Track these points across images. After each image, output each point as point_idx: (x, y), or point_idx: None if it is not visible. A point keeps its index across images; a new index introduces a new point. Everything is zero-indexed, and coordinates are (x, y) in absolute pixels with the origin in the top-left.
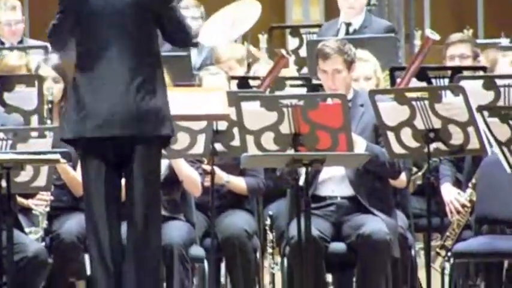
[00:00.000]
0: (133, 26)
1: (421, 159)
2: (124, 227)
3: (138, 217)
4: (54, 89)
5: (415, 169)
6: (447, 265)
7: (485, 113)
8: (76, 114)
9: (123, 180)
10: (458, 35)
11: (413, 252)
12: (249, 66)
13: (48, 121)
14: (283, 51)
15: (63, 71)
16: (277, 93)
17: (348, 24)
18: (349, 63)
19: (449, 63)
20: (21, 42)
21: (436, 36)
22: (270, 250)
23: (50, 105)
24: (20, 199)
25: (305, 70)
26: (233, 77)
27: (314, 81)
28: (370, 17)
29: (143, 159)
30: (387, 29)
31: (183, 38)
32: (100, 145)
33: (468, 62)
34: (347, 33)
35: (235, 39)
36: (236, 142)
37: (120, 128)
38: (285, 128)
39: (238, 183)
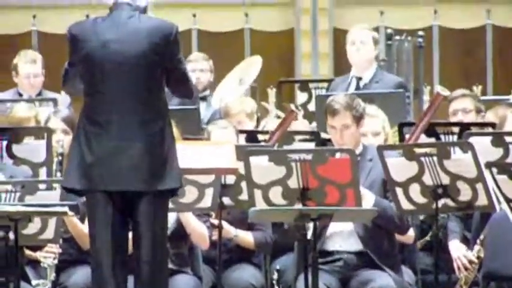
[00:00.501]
0: (142, 78)
1: (429, 217)
2: (131, 281)
3: (145, 271)
4: (64, 141)
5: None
6: None
7: (494, 170)
8: (81, 166)
9: (130, 233)
10: (460, 90)
11: None
12: (258, 120)
13: (58, 173)
14: (292, 106)
15: (73, 123)
16: (286, 147)
17: (359, 79)
18: (358, 119)
19: (452, 119)
20: (39, 94)
21: (447, 92)
22: None
23: (60, 158)
24: (28, 251)
25: (313, 125)
26: (241, 131)
27: (323, 136)
28: (381, 72)
29: (150, 212)
30: (398, 85)
31: (186, 90)
32: (107, 197)
33: (471, 116)
34: (357, 87)
35: (242, 93)
36: (244, 196)
37: (127, 183)
38: (293, 183)
39: (246, 237)
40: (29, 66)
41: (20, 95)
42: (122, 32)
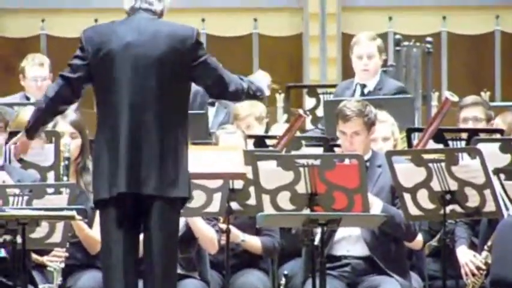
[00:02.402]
0: (163, 83)
1: (437, 223)
2: (141, 285)
3: (155, 275)
4: (71, 145)
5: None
6: None
7: (502, 176)
8: (105, 174)
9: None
10: (471, 98)
11: None
12: (268, 125)
13: (65, 178)
14: (301, 111)
15: (81, 127)
16: (294, 152)
17: (363, 86)
18: (369, 126)
19: (462, 126)
20: None
21: (455, 98)
22: None
23: (66, 162)
24: (34, 256)
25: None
26: (250, 136)
27: (331, 141)
28: (384, 78)
29: (162, 217)
30: (398, 90)
31: (227, 93)
32: (120, 200)
33: (482, 125)
34: (362, 94)
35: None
36: (252, 201)
37: (144, 186)
38: (301, 188)
39: (254, 242)
40: (36, 69)
41: (28, 98)
42: (142, 35)
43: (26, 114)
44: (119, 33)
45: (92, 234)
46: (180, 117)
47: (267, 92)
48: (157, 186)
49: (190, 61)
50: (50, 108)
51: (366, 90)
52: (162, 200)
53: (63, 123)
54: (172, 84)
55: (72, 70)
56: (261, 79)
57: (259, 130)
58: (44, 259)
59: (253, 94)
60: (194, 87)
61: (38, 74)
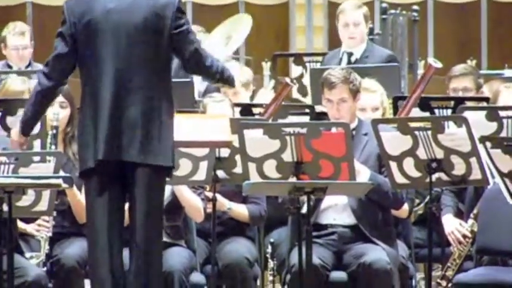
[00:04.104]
0: (145, 50)
1: (423, 189)
2: (126, 253)
3: (139, 243)
4: (60, 114)
5: (417, 200)
6: None
7: (488, 144)
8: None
9: (126, 205)
10: (461, 67)
11: (414, 282)
12: (253, 93)
13: (53, 146)
14: (288, 79)
15: (70, 97)
16: (280, 121)
17: (350, 54)
18: (355, 93)
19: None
20: (28, 66)
21: (439, 64)
22: (270, 278)
23: (54, 131)
24: (20, 225)
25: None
26: (236, 104)
27: (317, 109)
28: (372, 47)
29: (145, 185)
30: (388, 58)
31: (202, 69)
32: (104, 167)
33: (471, 94)
34: (349, 62)
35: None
36: (238, 169)
37: (122, 153)
38: (287, 156)
39: (240, 210)
40: (17, 38)
41: (10, 67)
42: (123, 2)
43: (14, 82)
44: (100, 1)
45: (83, 201)
46: (164, 85)
47: (235, 84)
48: (139, 154)
49: (171, 28)
50: (51, 89)
51: (352, 59)
52: (145, 167)
53: None
54: (155, 50)
55: (61, 49)
56: (235, 70)
57: (246, 96)
58: (30, 227)
59: (225, 79)
60: None
61: (19, 43)
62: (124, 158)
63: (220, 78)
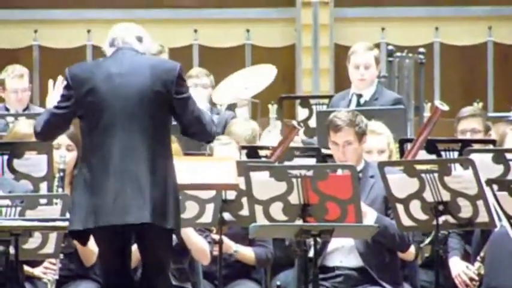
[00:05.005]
0: (147, 113)
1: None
2: None
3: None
4: (67, 157)
5: (423, 237)
6: None
7: (495, 187)
8: (83, 207)
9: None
10: (469, 109)
11: None
12: (260, 136)
13: (60, 189)
14: (295, 122)
15: (77, 139)
16: (287, 163)
17: (359, 96)
18: (361, 135)
19: (460, 137)
20: (26, 109)
21: (445, 107)
22: None
23: (61, 174)
24: (26, 268)
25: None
26: (243, 147)
27: (323, 152)
28: (381, 89)
29: (153, 245)
30: (395, 101)
31: (201, 133)
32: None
33: (480, 137)
34: (358, 104)
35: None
36: (245, 212)
37: (129, 216)
38: (294, 199)
39: (247, 253)
40: (16, 81)
41: (7, 110)
42: (125, 66)
43: (22, 126)
44: (103, 66)
45: (90, 245)
46: (167, 147)
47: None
48: (144, 216)
49: (173, 93)
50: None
51: (362, 100)
52: (153, 227)
53: (60, 135)
54: (158, 115)
55: (58, 108)
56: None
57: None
58: (37, 270)
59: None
60: None
61: (18, 86)
62: (128, 221)
63: (210, 140)
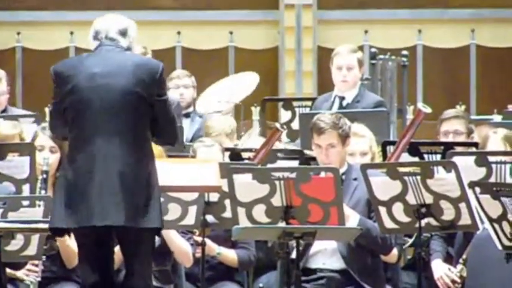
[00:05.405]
0: (129, 113)
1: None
2: None
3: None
4: (50, 159)
5: (405, 238)
6: None
7: (477, 189)
8: (65, 207)
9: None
10: (453, 111)
11: None
12: (240, 137)
13: (43, 191)
14: (278, 125)
15: (61, 141)
16: (269, 165)
17: (342, 98)
18: (344, 138)
19: (443, 139)
20: (4, 111)
21: (428, 110)
22: None
23: (44, 176)
24: (8, 270)
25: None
26: (226, 149)
27: (306, 154)
28: (363, 91)
29: (134, 247)
30: (377, 104)
31: (170, 135)
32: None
33: (462, 138)
34: (340, 106)
35: (231, 106)
36: (228, 214)
37: (110, 218)
38: (276, 201)
39: (230, 255)
40: None
41: None
42: (108, 65)
43: (4, 128)
44: (86, 65)
45: (72, 245)
46: (148, 147)
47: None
48: (127, 218)
49: (155, 94)
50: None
51: (344, 103)
52: (134, 229)
53: (43, 137)
54: (139, 115)
55: (54, 105)
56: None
57: (229, 146)
58: (20, 273)
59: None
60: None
61: None
62: (113, 223)
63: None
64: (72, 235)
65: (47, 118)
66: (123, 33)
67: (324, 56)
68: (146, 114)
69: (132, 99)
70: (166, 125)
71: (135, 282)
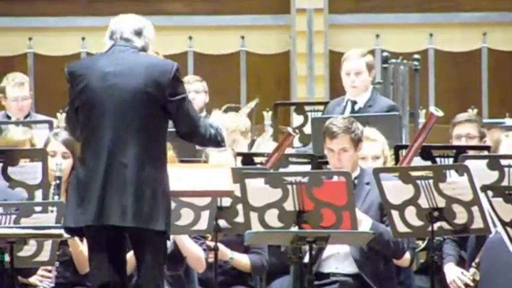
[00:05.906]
0: (140, 114)
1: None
2: None
3: None
4: (63, 165)
5: (418, 242)
6: None
7: (490, 193)
8: (77, 206)
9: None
10: (465, 115)
11: None
12: (253, 142)
13: (56, 197)
14: (290, 129)
15: (73, 146)
16: (282, 170)
17: (354, 102)
18: (357, 142)
19: (455, 143)
20: (27, 117)
21: (440, 113)
22: None
23: (57, 181)
24: (20, 278)
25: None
26: (238, 154)
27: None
28: (375, 96)
29: (142, 248)
30: (389, 108)
31: (193, 133)
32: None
33: (474, 142)
34: (352, 111)
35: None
36: (240, 219)
37: (117, 218)
38: (289, 205)
39: (242, 260)
40: (17, 89)
41: (9, 117)
42: (120, 65)
43: (15, 133)
44: (98, 65)
45: (85, 252)
46: (159, 148)
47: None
48: (133, 219)
49: (168, 95)
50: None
51: (356, 107)
52: (143, 231)
53: (55, 143)
54: (152, 116)
55: (69, 105)
56: (220, 122)
57: (244, 144)
58: (33, 279)
59: (218, 142)
60: None
61: (18, 94)
62: (120, 223)
63: (212, 145)
64: (84, 240)
65: (59, 123)
66: (139, 33)
67: (336, 60)
68: (158, 115)
69: (144, 100)
70: (185, 123)
71: (143, 286)
